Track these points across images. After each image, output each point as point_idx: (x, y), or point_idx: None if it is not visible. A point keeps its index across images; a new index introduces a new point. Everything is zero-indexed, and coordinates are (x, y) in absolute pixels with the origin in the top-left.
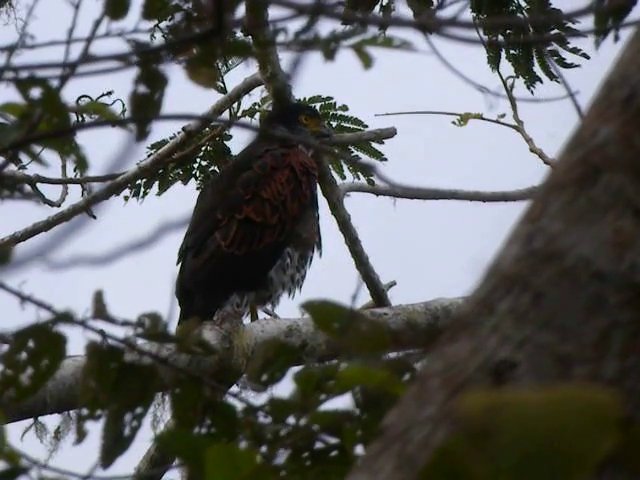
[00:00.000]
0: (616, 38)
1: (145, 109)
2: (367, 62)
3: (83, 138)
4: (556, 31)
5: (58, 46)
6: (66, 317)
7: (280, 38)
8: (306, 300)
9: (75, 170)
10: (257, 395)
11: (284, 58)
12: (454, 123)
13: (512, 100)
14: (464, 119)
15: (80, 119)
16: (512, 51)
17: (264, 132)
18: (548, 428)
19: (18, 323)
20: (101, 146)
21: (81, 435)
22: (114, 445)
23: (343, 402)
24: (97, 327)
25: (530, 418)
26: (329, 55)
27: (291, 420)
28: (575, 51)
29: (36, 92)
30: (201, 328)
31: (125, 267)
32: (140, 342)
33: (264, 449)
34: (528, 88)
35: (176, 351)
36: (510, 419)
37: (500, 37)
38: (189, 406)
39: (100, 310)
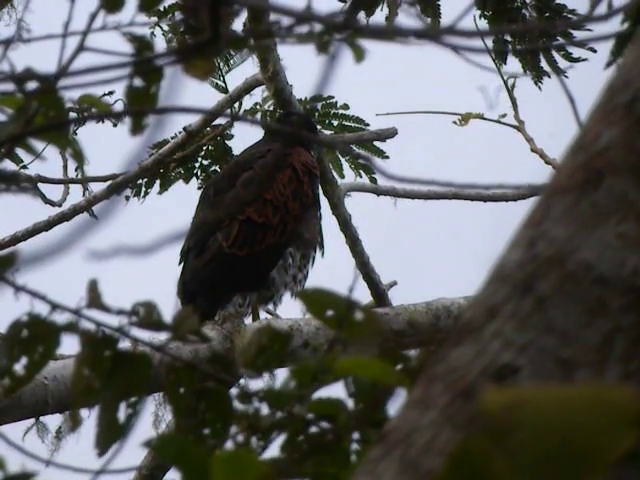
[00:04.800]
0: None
1: (141, 103)
2: (359, 55)
3: (85, 138)
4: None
5: (54, 40)
6: (60, 306)
7: (279, 33)
8: (300, 289)
9: (76, 170)
10: (253, 383)
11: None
12: (455, 123)
13: (513, 100)
14: (465, 119)
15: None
16: (518, 47)
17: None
18: (567, 425)
19: (13, 314)
20: (101, 146)
21: (75, 423)
22: (108, 433)
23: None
24: (90, 316)
25: (549, 414)
26: (323, 48)
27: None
28: (582, 45)
29: (32, 85)
30: (196, 316)
31: (126, 268)
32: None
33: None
34: (536, 84)
35: (170, 341)
36: (529, 415)
37: (506, 35)
38: (184, 392)
39: (94, 299)
